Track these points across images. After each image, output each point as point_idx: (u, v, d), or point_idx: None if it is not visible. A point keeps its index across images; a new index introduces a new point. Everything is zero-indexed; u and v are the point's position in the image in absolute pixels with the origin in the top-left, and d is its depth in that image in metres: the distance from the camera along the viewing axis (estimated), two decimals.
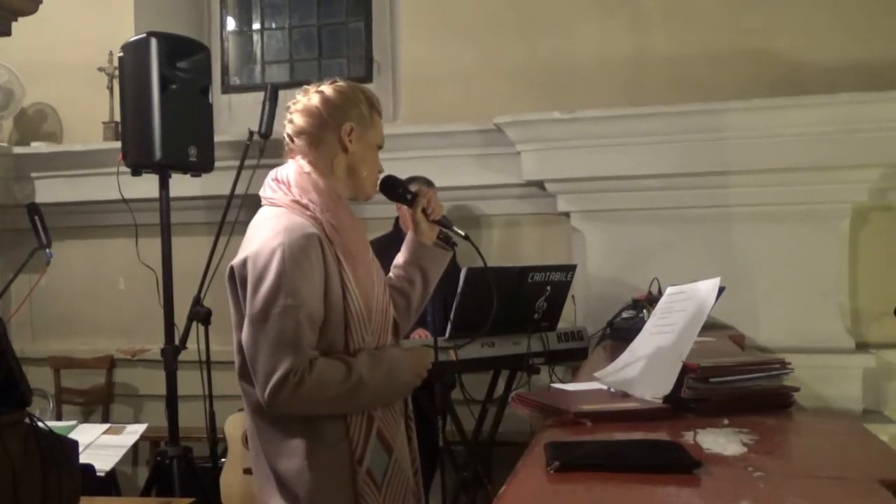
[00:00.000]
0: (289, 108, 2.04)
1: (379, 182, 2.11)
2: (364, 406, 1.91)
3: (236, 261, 1.90)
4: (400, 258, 2.18)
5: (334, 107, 1.98)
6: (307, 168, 1.97)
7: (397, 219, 3.96)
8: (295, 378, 1.79)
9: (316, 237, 1.86)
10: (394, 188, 2.16)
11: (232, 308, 1.95)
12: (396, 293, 2.13)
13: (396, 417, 2.00)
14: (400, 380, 1.96)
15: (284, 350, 1.80)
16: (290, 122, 2.01)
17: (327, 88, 2.01)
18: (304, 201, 1.92)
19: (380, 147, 2.06)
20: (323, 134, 1.97)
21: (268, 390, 1.80)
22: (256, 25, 5.29)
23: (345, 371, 1.85)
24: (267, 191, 2.00)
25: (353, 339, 1.89)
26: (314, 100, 1.99)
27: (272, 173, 2.02)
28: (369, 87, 4.97)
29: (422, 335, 3.60)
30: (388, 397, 1.97)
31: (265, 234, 1.87)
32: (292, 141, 2.01)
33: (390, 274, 2.17)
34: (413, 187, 3.58)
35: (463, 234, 2.18)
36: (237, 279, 1.89)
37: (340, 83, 2.03)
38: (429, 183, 3.90)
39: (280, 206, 1.94)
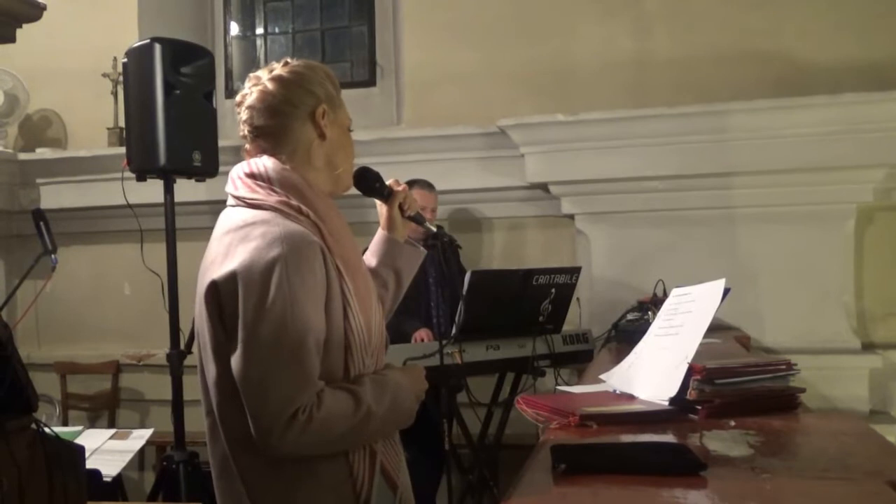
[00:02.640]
0: (241, 102, 1.74)
1: (353, 174, 1.85)
2: (370, 439, 1.67)
3: (219, 275, 1.58)
4: (372, 260, 1.93)
5: (300, 89, 1.70)
6: (287, 163, 1.69)
7: None
8: (304, 415, 1.53)
9: (318, 247, 1.59)
10: (370, 181, 1.92)
11: (208, 332, 1.63)
12: None
13: (397, 448, 1.75)
14: (404, 406, 1.71)
15: (291, 383, 1.53)
16: (250, 117, 1.71)
17: (283, 71, 1.72)
18: (295, 203, 1.63)
19: (349, 129, 1.80)
20: (293, 124, 1.69)
21: (274, 432, 1.53)
22: (260, 30, 5.30)
23: (353, 403, 1.59)
24: (241, 189, 1.68)
25: (354, 363, 1.64)
26: (272, 87, 1.70)
27: (243, 167, 1.71)
28: (373, 91, 5.03)
29: (424, 336, 3.60)
30: (393, 427, 1.74)
31: (255, 243, 1.57)
32: (256, 139, 1.72)
33: None
34: (416, 191, 3.57)
35: (434, 228, 2.06)
36: (222, 296, 1.58)
37: (294, 62, 1.74)
38: (430, 187, 3.90)
39: (265, 207, 1.64)
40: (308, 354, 1.55)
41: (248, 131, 1.73)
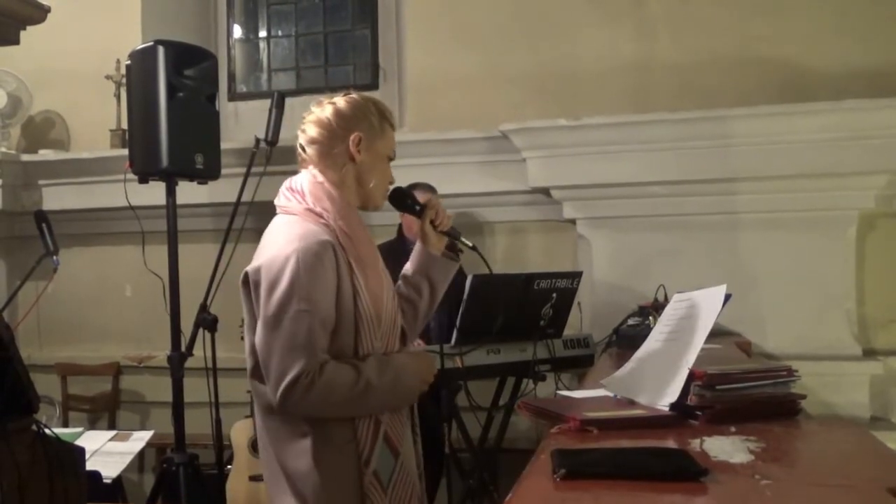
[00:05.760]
0: (303, 118, 2.09)
1: (388, 193, 2.15)
2: (371, 410, 1.95)
3: (251, 267, 1.95)
4: (409, 268, 2.21)
5: (344, 117, 2.03)
6: (320, 178, 2.02)
7: (400, 226, 3.96)
8: (306, 380, 1.83)
9: (329, 244, 1.91)
10: (403, 200, 2.23)
11: (245, 312, 1.99)
12: (404, 302, 2.16)
13: (403, 421, 2.04)
14: (406, 385, 2.01)
15: (297, 353, 1.84)
16: (303, 132, 2.07)
17: (340, 100, 2.06)
18: (318, 210, 1.97)
19: (391, 158, 2.11)
20: (333, 144, 2.02)
21: (280, 391, 1.84)
22: (263, 33, 5.31)
23: (354, 375, 1.89)
24: (281, 199, 2.05)
25: (363, 344, 1.94)
26: (326, 111, 2.05)
27: (286, 182, 2.07)
28: (375, 94, 5.03)
29: (416, 344, 3.59)
30: (395, 402, 2.02)
31: (280, 242, 1.93)
32: (304, 150, 2.07)
33: (398, 283, 2.20)
34: (417, 193, 3.63)
35: (471, 245, 2.20)
36: (251, 284, 1.94)
37: (354, 95, 2.08)
38: (431, 189, 3.90)
39: (294, 213, 2.00)
40: (311, 330, 1.86)
41: (302, 142, 2.07)
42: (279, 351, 1.86)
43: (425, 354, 2.18)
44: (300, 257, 1.87)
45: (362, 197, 2.07)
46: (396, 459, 1.98)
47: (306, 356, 1.84)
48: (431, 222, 2.17)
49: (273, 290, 1.87)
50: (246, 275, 1.96)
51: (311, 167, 2.05)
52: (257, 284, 1.92)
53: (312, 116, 2.06)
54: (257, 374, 1.96)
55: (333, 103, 2.06)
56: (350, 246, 1.96)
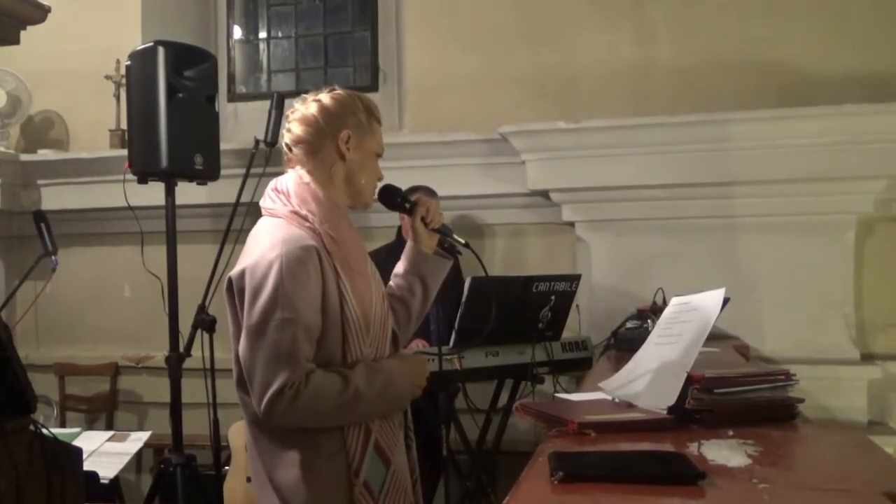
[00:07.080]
0: (287, 117, 2.03)
1: (377, 191, 2.09)
2: (361, 418, 1.89)
3: (234, 272, 1.89)
4: (400, 267, 2.16)
5: (331, 115, 1.97)
6: (306, 178, 1.96)
7: (399, 228, 3.96)
8: (291, 391, 1.77)
9: (314, 249, 1.85)
10: (392, 197, 2.14)
11: (230, 319, 1.93)
12: (396, 302, 2.11)
13: (395, 429, 1.98)
14: (397, 391, 1.94)
15: (281, 363, 1.78)
16: (289, 131, 2.01)
17: (325, 97, 2.00)
18: (303, 212, 1.91)
19: (379, 155, 2.05)
20: (321, 142, 1.96)
21: (264, 402, 1.79)
22: (263, 34, 5.31)
23: (341, 383, 1.82)
24: (266, 201, 1.99)
25: (351, 350, 1.88)
26: (312, 109, 1.98)
27: (272, 183, 2.01)
28: (375, 96, 5.03)
29: (420, 345, 3.59)
30: (386, 409, 1.96)
31: (263, 246, 1.86)
32: (290, 150, 2.00)
33: (390, 283, 2.15)
34: (414, 197, 3.62)
35: (463, 241, 2.14)
36: (235, 291, 1.88)
37: (338, 91, 2.02)
38: (431, 193, 3.90)
39: (279, 216, 1.93)
40: (294, 338, 1.79)
41: (288, 141, 2.01)
42: (262, 361, 1.79)
43: (417, 357, 2.11)
44: (284, 263, 1.80)
45: (352, 196, 2.00)
46: (388, 469, 1.92)
47: (290, 366, 1.78)
48: (422, 220, 2.11)
49: (256, 297, 1.81)
50: (230, 281, 1.90)
51: (297, 167, 1.98)
52: (241, 291, 1.85)
53: (297, 114, 2.00)
54: (243, 383, 1.89)
55: (319, 101, 1.99)
56: (336, 250, 1.90)
